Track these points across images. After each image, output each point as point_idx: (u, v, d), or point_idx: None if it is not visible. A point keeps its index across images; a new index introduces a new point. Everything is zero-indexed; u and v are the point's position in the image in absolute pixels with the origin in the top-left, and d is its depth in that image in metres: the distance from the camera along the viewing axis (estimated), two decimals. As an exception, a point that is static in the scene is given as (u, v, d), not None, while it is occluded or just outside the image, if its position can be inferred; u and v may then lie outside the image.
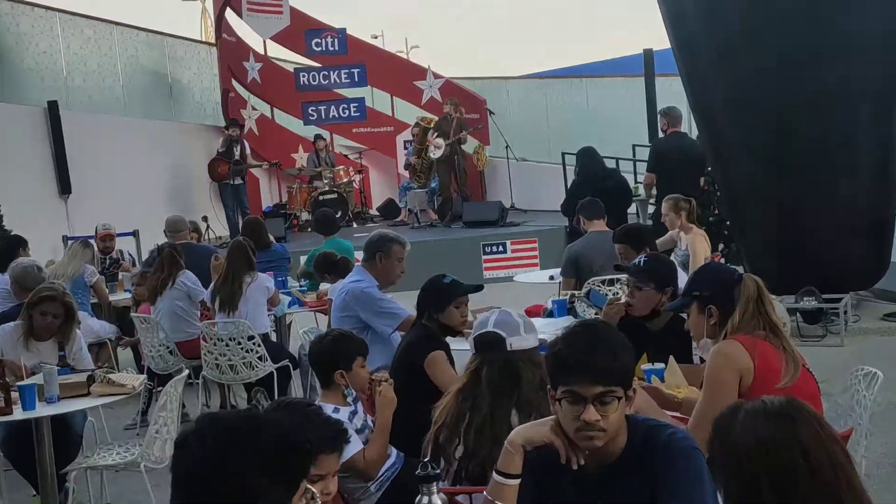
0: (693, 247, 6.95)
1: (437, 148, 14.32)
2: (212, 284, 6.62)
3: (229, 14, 16.07)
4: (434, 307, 4.26)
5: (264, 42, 16.65)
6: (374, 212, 16.40)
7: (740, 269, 4.21)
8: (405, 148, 16.26)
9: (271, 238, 8.43)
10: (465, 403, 3.01)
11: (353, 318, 5.02)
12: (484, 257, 12.37)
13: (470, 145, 15.34)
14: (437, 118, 14.99)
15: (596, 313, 4.99)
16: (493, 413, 2.95)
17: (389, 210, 15.92)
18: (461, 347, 4.11)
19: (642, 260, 4.23)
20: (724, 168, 8.40)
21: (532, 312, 6.47)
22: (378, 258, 5.19)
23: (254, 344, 6.28)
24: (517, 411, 2.94)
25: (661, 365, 3.68)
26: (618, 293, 5.97)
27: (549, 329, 4.72)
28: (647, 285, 4.09)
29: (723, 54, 7.79)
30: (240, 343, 6.28)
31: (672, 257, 6.48)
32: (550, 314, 5.72)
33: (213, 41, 17.30)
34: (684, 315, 3.58)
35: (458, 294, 4.30)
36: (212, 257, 7.27)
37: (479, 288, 4.54)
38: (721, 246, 9.71)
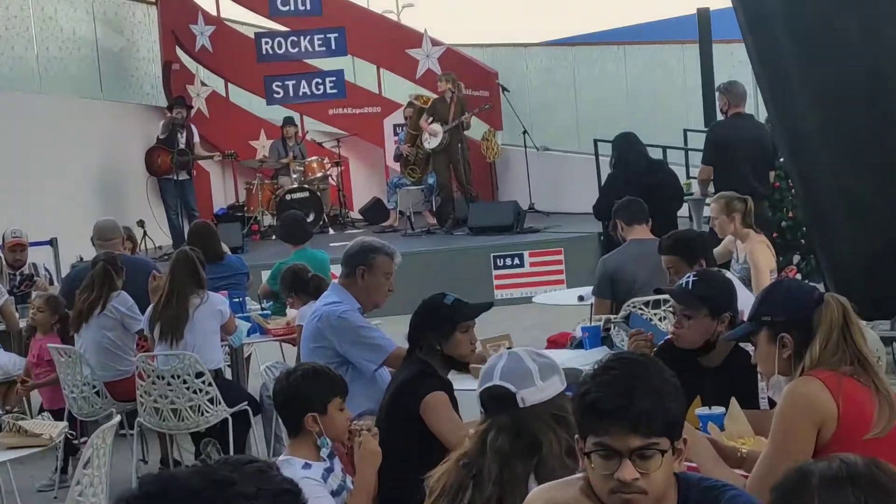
0: (753, 258, 6.94)
1: (432, 136, 14.32)
2: (150, 307, 6.63)
3: (173, -36, 16.18)
4: (434, 335, 4.27)
5: (217, 0, 16.70)
6: (355, 214, 16.42)
7: (821, 288, 4.22)
8: (395, 134, 16.28)
9: (225, 248, 8.44)
10: (465, 470, 2.98)
11: (327, 349, 5.03)
12: (495, 272, 12.37)
13: (477, 131, 15.34)
14: (434, 97, 15.02)
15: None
16: (502, 489, 2.91)
17: (375, 212, 15.93)
18: (467, 387, 4.12)
19: (691, 280, 4.22)
20: (801, 159, 8.37)
21: (557, 342, 6.50)
22: (360, 273, 5.20)
23: (203, 383, 6.28)
24: (536, 482, 2.90)
25: (721, 409, 3.69)
26: (665, 318, 5.98)
27: (577, 363, 4.73)
28: (699, 312, 4.09)
29: (802, 11, 7.78)
30: (185, 381, 6.28)
31: (729, 273, 6.48)
32: (580, 345, 5.73)
33: (152, -1, 17.36)
34: (748, 346, 3.58)
35: (464, 317, 4.31)
36: (150, 275, 7.26)
37: (488, 306, 4.55)
38: (797, 258, 9.70)
